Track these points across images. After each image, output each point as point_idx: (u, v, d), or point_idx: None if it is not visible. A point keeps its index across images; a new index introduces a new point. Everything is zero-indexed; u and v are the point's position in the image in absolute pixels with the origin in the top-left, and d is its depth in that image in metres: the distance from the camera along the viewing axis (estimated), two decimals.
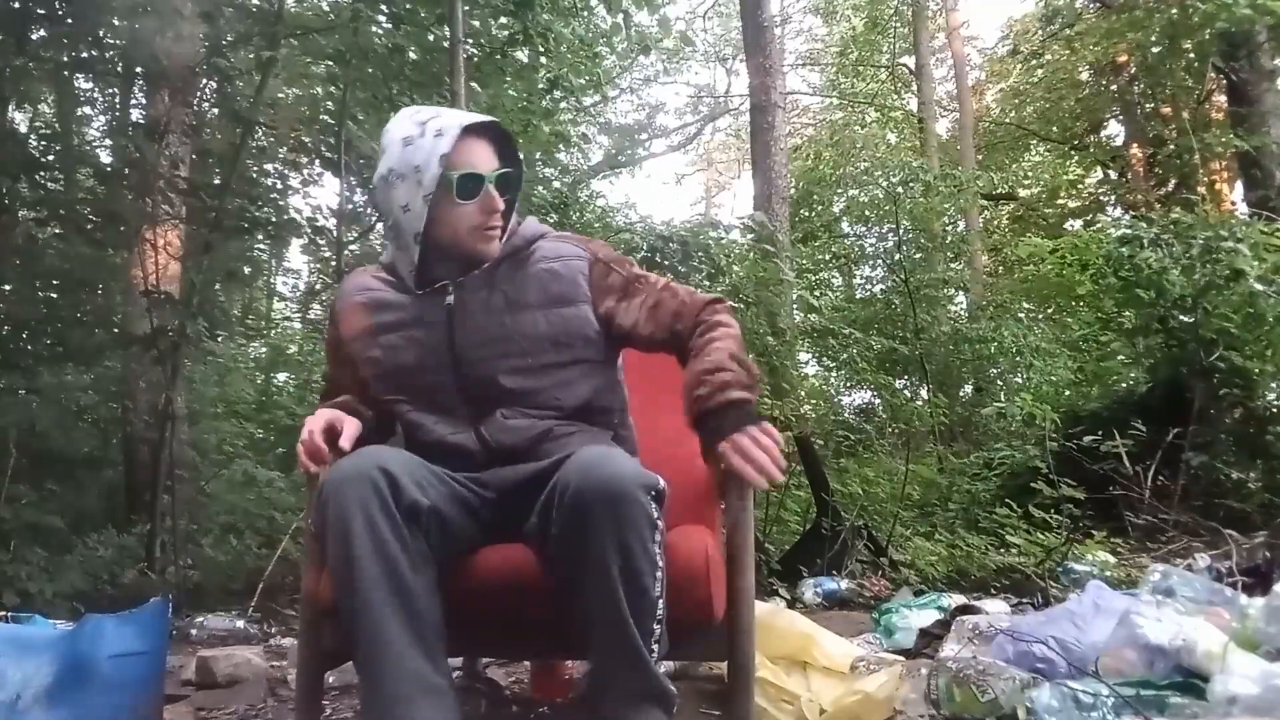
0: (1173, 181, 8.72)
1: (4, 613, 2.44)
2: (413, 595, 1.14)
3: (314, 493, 1.29)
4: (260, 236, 5.21)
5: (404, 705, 1.10)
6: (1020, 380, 6.59)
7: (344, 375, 1.46)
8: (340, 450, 1.31)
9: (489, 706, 1.91)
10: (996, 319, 6.91)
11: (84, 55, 4.63)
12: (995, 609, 2.53)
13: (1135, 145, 10.04)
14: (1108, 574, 3.06)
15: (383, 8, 4.67)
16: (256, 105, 4.36)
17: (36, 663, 1.48)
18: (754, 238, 4.77)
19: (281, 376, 7.87)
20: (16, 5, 4.01)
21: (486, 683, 2.04)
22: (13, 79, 4.18)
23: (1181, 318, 4.34)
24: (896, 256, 7.49)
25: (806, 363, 6.26)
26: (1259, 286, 4.12)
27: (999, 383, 7.23)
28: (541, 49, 5.04)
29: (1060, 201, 11.27)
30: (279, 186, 5.46)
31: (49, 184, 4.57)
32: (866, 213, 8.41)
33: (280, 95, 5.26)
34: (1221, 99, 7.83)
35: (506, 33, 4.95)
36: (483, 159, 1.36)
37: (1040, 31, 11.17)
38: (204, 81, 4.82)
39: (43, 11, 4.19)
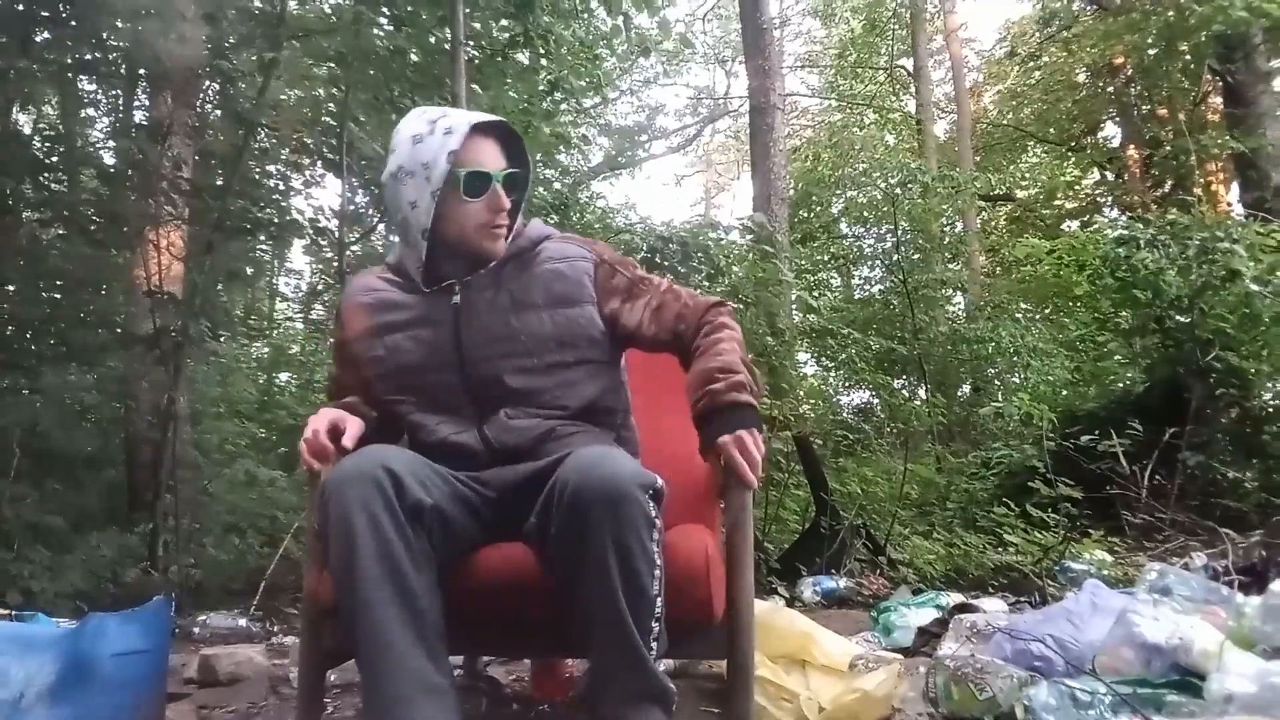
0: (1169, 183, 8.73)
1: (7, 611, 2.44)
2: (415, 595, 1.14)
3: (316, 491, 1.30)
4: (262, 237, 5.23)
5: (405, 704, 1.10)
6: (1018, 380, 6.60)
7: (349, 376, 1.47)
8: (343, 449, 1.32)
9: (489, 705, 1.92)
10: (994, 319, 6.92)
11: (87, 57, 4.64)
12: (993, 608, 2.55)
13: (1132, 146, 10.05)
14: (1105, 573, 3.07)
15: (384, 10, 4.68)
16: (259, 107, 4.37)
17: (39, 661, 1.48)
18: (753, 238, 4.78)
19: (283, 376, 7.88)
20: (20, 7, 4.03)
21: (487, 681, 2.05)
22: (16, 81, 4.20)
23: (1178, 318, 4.35)
24: (895, 257, 7.50)
25: (805, 363, 6.28)
26: (1255, 287, 4.14)
27: (997, 383, 7.24)
28: (542, 51, 5.05)
29: (1057, 202, 11.27)
30: (281, 187, 5.48)
31: (52, 185, 4.57)
32: (865, 214, 8.40)
33: (282, 97, 5.26)
34: (1218, 101, 7.86)
35: (507, 35, 4.96)
36: (490, 158, 1.38)
37: (1038, 34, 11.20)
38: (206, 83, 4.83)
39: (46, 14, 4.19)
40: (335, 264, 5.24)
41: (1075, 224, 10.40)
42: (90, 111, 5.56)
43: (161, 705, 1.70)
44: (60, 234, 4.38)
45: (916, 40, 12.02)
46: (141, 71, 4.60)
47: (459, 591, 1.22)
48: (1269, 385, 4.45)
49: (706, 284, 4.40)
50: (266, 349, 8.09)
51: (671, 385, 1.42)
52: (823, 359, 6.52)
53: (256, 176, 5.22)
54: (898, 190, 6.93)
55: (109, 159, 5.08)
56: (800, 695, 1.66)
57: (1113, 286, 4.82)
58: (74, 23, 4.17)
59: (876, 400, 6.86)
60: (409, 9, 4.67)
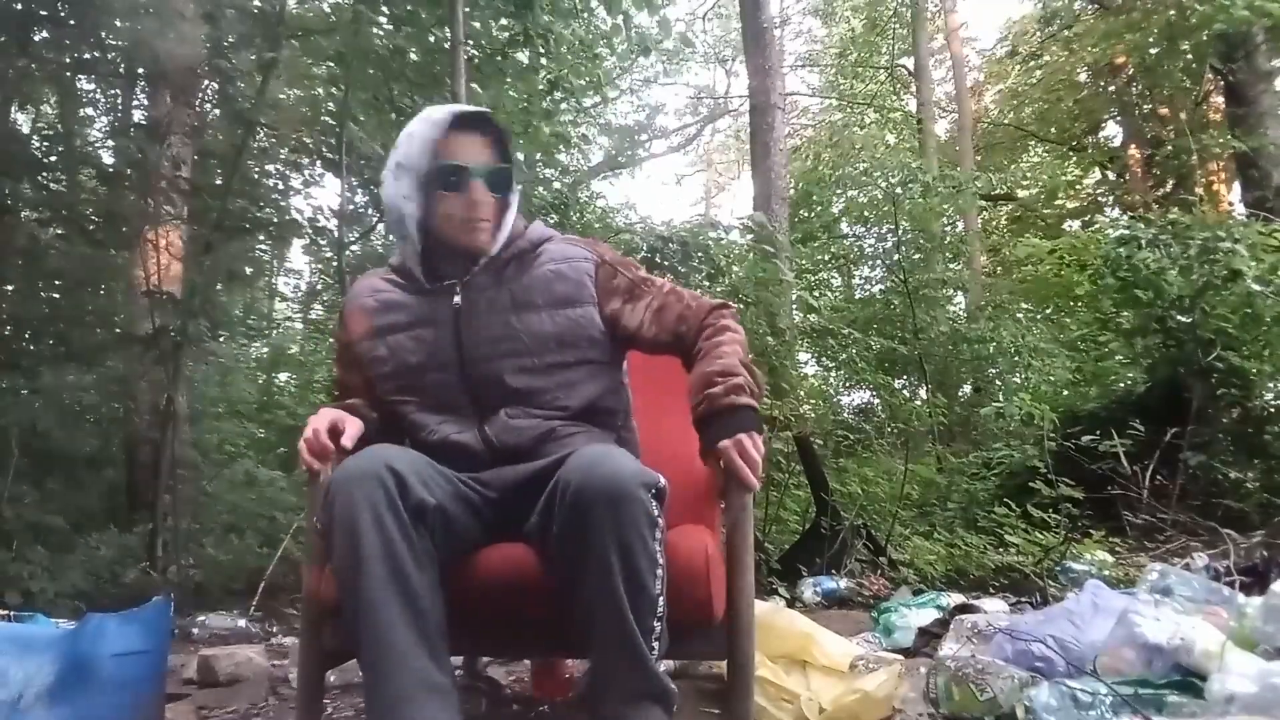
0: (1171, 182, 8.74)
1: (6, 612, 2.44)
2: (417, 595, 1.14)
3: (315, 490, 1.30)
4: (261, 237, 5.23)
5: (407, 704, 1.10)
6: (1019, 380, 6.59)
7: (352, 378, 1.48)
8: (343, 449, 1.32)
9: (489, 705, 1.92)
10: (995, 319, 6.91)
11: (86, 57, 4.63)
12: (994, 608, 2.55)
13: (1133, 146, 10.05)
14: (1106, 573, 3.07)
15: (384, 9, 4.68)
16: (258, 106, 4.37)
17: (39, 661, 1.48)
18: (753, 238, 4.77)
19: (283, 377, 7.89)
20: (19, 7, 4.02)
21: (487, 682, 2.05)
22: (15, 80, 4.20)
23: (1179, 318, 4.35)
24: (895, 257, 7.49)
25: (806, 363, 6.26)
26: (1256, 287, 4.14)
27: (998, 383, 7.22)
28: (542, 50, 5.04)
29: (1059, 202, 11.26)
30: (280, 187, 5.48)
31: (51, 185, 4.57)
32: (865, 213, 8.39)
33: (282, 96, 5.25)
34: (1219, 100, 7.84)
35: (507, 34, 4.96)
36: (471, 152, 1.38)
37: (1039, 33, 11.18)
38: (206, 83, 4.83)
39: (45, 13, 4.19)
40: (334, 264, 5.24)
41: (1076, 224, 10.40)
42: (89, 111, 5.56)
43: (161, 706, 1.69)
44: (59, 234, 4.37)
45: (917, 39, 12.01)
46: (140, 71, 4.59)
47: (460, 591, 1.22)
48: (1270, 385, 4.45)
49: (706, 284, 4.40)
50: (266, 349, 8.10)
51: (671, 386, 1.42)
52: (823, 359, 6.51)
53: (256, 176, 5.21)
54: (898, 190, 6.92)
55: (108, 158, 5.07)
56: (801, 696, 1.66)
57: (1114, 286, 4.82)
58: (73, 22, 4.17)
59: (877, 400, 6.85)
60: (409, 8, 4.66)
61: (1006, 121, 12.34)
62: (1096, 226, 7.84)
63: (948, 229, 8.97)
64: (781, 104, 6.50)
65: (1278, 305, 4.16)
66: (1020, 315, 7.56)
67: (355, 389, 1.47)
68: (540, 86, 5.28)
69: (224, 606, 3.53)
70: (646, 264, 4.17)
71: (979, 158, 11.57)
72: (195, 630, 3.14)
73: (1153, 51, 7.81)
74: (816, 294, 6.65)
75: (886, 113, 13.46)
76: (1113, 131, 11.40)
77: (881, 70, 14.03)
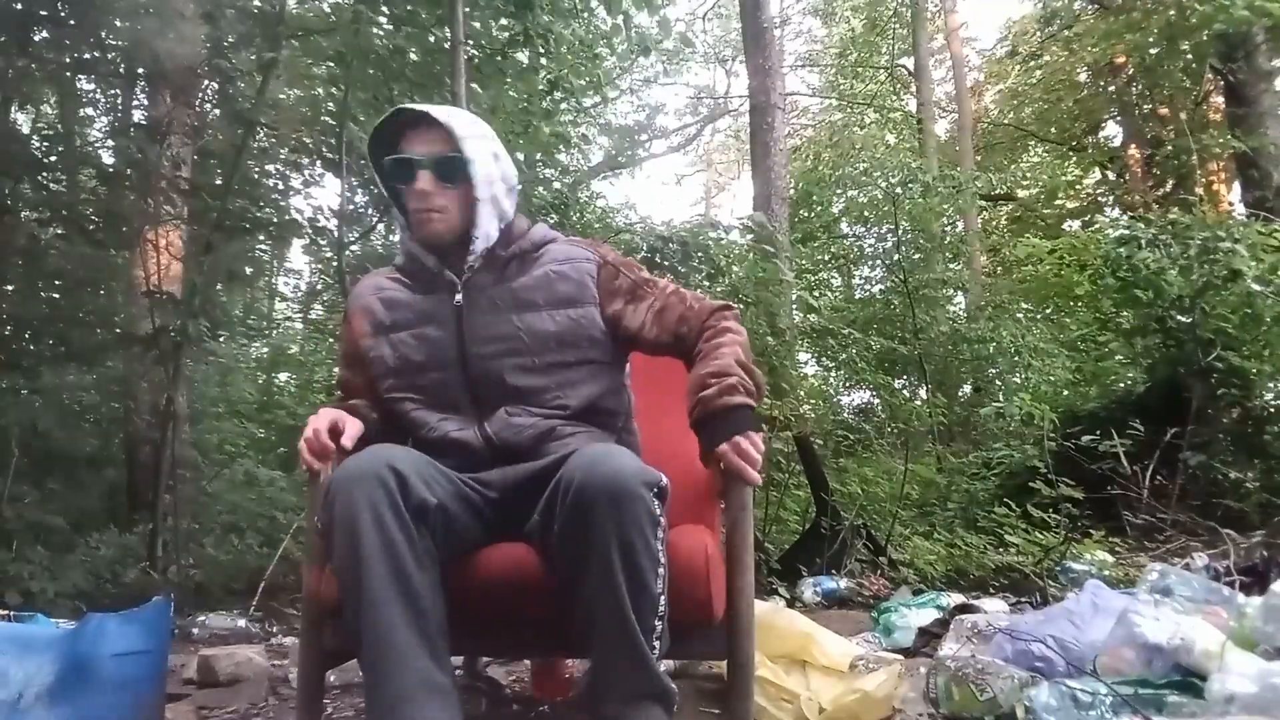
0: (1170, 182, 8.73)
1: (6, 612, 2.44)
2: (418, 594, 1.14)
3: (315, 490, 1.30)
4: (261, 237, 5.22)
5: (408, 704, 1.10)
6: (1019, 380, 6.59)
7: (355, 378, 1.48)
8: (343, 449, 1.32)
9: (490, 705, 1.92)
10: (995, 319, 6.91)
11: (86, 56, 4.62)
12: (994, 608, 2.55)
13: (1133, 146, 10.05)
14: (1106, 573, 3.07)
15: (384, 9, 4.67)
16: (258, 106, 4.37)
17: (39, 661, 1.48)
18: (753, 238, 4.77)
19: (283, 376, 7.89)
20: (19, 6, 4.02)
21: (487, 681, 2.05)
22: (15, 80, 4.19)
23: (1179, 318, 4.35)
24: (895, 257, 7.50)
25: (806, 363, 6.26)
26: (1256, 287, 4.14)
27: (998, 383, 7.23)
28: (542, 50, 5.03)
29: (1059, 202, 11.26)
30: (280, 187, 5.47)
31: (51, 185, 4.56)
32: (865, 213, 8.39)
33: (281, 96, 5.25)
34: (1219, 100, 7.84)
35: (507, 34, 4.95)
36: (420, 143, 1.38)
37: (1039, 33, 11.18)
38: (206, 82, 4.82)
39: (45, 13, 4.19)
40: (334, 264, 5.23)
41: (1076, 224, 10.40)
42: (89, 111, 5.55)
43: (161, 706, 1.69)
44: (59, 234, 4.37)
45: (917, 39, 12.01)
46: (140, 71, 4.59)
47: (461, 591, 1.22)
48: (1270, 385, 4.45)
49: (707, 284, 4.40)
50: (266, 349, 8.10)
51: (671, 387, 1.42)
52: (823, 359, 6.51)
53: (255, 176, 5.21)
54: (898, 190, 6.92)
55: (108, 158, 5.06)
56: (800, 696, 1.66)
57: (1114, 286, 4.82)
58: (73, 22, 4.17)
59: (877, 400, 6.85)
60: (408, 8, 4.66)
61: (1006, 121, 12.34)
62: (1096, 226, 7.85)
63: (948, 229, 8.97)
64: (781, 104, 6.50)
65: (1278, 305, 4.16)
66: (1020, 315, 7.56)
67: (357, 389, 1.48)
68: (540, 86, 5.28)
69: (224, 606, 3.53)
70: (646, 264, 4.17)
71: (979, 158, 11.57)
72: (195, 630, 3.14)
73: (1153, 51, 7.81)
74: (816, 294, 6.65)
75: (886, 113, 13.46)
76: (1113, 131, 11.42)
77: (881, 70, 14.03)
